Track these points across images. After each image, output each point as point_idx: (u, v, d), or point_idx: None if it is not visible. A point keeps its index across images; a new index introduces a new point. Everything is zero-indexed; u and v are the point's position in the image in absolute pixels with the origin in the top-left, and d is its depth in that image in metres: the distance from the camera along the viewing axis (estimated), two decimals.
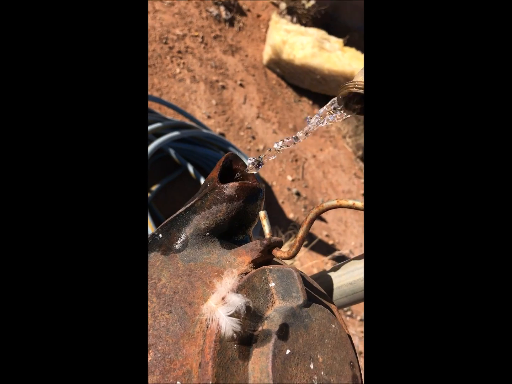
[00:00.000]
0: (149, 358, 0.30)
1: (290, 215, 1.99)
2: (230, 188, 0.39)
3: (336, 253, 1.91)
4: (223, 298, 0.30)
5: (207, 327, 0.30)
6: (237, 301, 0.30)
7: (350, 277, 0.57)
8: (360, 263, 0.58)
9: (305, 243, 1.83)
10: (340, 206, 0.33)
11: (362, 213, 2.31)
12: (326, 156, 2.40)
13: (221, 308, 0.30)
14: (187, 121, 1.78)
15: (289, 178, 2.13)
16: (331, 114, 0.43)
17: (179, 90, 2.04)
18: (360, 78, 0.39)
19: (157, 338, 0.31)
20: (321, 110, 0.44)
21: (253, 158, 0.42)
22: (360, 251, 2.11)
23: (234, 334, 0.29)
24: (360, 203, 0.32)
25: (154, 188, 1.62)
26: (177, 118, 1.83)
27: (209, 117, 2.04)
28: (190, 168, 1.67)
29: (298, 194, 2.09)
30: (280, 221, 1.91)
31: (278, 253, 0.36)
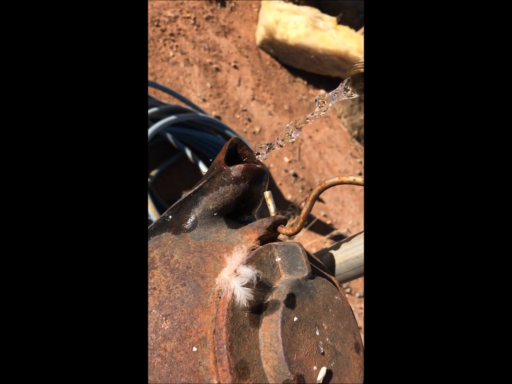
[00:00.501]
0: (166, 327, 0.32)
1: (288, 197, 2.01)
2: (236, 170, 0.41)
3: (334, 232, 1.95)
4: (235, 270, 0.33)
5: (220, 297, 0.33)
6: (249, 272, 0.32)
7: (356, 250, 0.60)
8: (361, 239, 0.60)
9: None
10: (342, 183, 0.35)
11: (358, 192, 2.34)
12: (322, 136, 2.41)
13: (234, 279, 0.32)
14: (183, 105, 1.78)
15: (286, 159, 2.14)
16: (340, 94, 0.44)
17: (173, 74, 2.03)
18: None
19: (172, 308, 0.33)
20: (331, 92, 0.45)
21: (265, 144, 0.44)
22: (357, 230, 2.15)
23: (248, 303, 0.32)
24: (360, 179, 0.34)
25: (153, 173, 1.64)
26: (172, 102, 1.83)
27: (204, 100, 2.03)
28: (188, 152, 1.68)
29: (295, 175, 2.11)
30: (278, 203, 1.93)
31: (283, 229, 0.38)
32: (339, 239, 0.61)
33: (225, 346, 0.30)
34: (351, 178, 0.34)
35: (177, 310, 0.33)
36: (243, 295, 0.31)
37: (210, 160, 1.77)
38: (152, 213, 1.34)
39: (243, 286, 0.32)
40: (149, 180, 1.61)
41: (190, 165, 1.70)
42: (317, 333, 0.35)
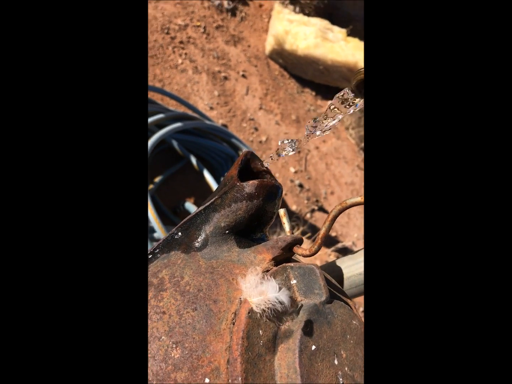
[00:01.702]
0: (177, 356, 0.30)
1: (293, 207, 1.99)
2: (250, 186, 0.39)
3: (339, 245, 1.92)
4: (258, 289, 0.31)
5: (233, 324, 0.31)
6: (276, 287, 0.31)
7: (359, 267, 0.57)
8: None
9: (308, 235, 1.84)
10: (364, 203, 0.33)
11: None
12: (329, 147, 2.39)
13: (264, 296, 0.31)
14: (190, 112, 1.77)
15: (292, 169, 2.12)
16: (345, 105, 0.42)
17: (181, 81, 2.02)
18: None
19: (183, 335, 0.31)
20: (333, 99, 0.43)
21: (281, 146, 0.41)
22: (362, 243, 2.12)
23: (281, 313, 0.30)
24: None
25: (156, 179, 1.62)
26: (179, 109, 1.82)
27: (211, 108, 2.03)
28: (193, 160, 1.66)
29: (301, 186, 2.09)
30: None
31: (299, 250, 0.36)
32: (344, 252, 0.58)
33: (240, 378, 0.28)
34: None
35: (189, 337, 0.30)
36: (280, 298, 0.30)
37: (219, 171, 1.75)
38: (154, 220, 1.32)
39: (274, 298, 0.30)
40: (152, 186, 1.60)
41: (195, 172, 1.69)
42: (336, 362, 0.32)
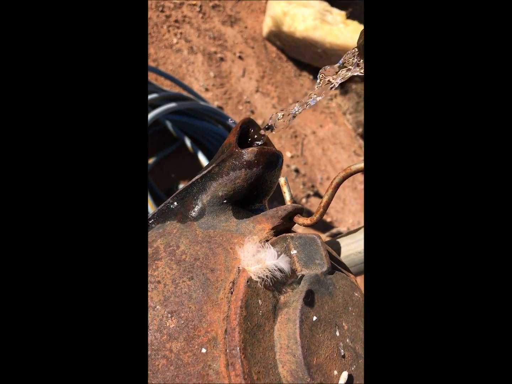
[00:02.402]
0: (172, 325, 0.29)
1: None
2: (249, 153, 0.37)
3: (334, 230, 1.92)
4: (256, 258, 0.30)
5: (231, 293, 0.29)
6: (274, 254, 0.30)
7: (358, 245, 0.55)
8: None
9: None
10: None
11: (360, 191, 2.31)
12: (326, 132, 2.37)
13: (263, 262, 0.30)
14: (185, 93, 1.73)
15: (288, 154, 2.10)
16: (349, 68, 0.40)
17: (176, 61, 1.98)
18: None
19: (179, 305, 0.29)
20: (340, 62, 0.41)
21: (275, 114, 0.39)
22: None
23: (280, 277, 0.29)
24: None
25: (150, 161, 1.59)
26: (174, 90, 1.78)
27: (207, 89, 1.99)
28: (187, 142, 1.63)
29: (297, 171, 2.07)
30: (278, 199, 1.90)
31: (300, 220, 0.35)
32: None
33: (238, 348, 0.27)
34: None
35: (184, 307, 0.29)
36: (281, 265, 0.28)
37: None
38: (148, 202, 1.30)
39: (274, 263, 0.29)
40: None
41: (189, 155, 1.66)
42: (337, 333, 0.32)
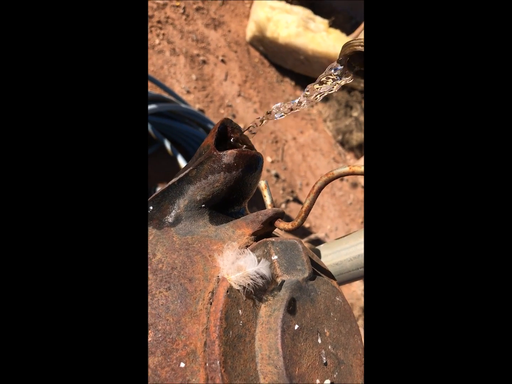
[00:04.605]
0: (149, 339, 0.27)
1: None
2: (228, 156, 0.36)
3: (312, 236, 1.92)
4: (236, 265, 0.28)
5: (211, 304, 0.28)
6: (254, 260, 0.29)
7: (336, 257, 0.55)
8: (343, 245, 0.56)
9: None
10: (353, 173, 0.30)
11: (339, 197, 2.33)
12: (306, 139, 2.38)
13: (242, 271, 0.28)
14: (166, 95, 1.70)
15: (269, 159, 2.10)
16: (332, 79, 0.40)
17: (158, 62, 1.95)
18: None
19: (156, 317, 0.28)
20: (321, 76, 0.41)
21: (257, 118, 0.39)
22: (335, 235, 2.13)
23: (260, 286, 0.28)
24: None
25: None
26: (154, 91, 1.75)
27: (188, 92, 1.97)
28: (167, 144, 1.61)
29: (277, 176, 2.07)
30: (258, 203, 1.89)
31: (281, 224, 0.34)
32: (317, 243, 0.57)
33: (218, 361, 0.26)
34: (363, 169, 0.30)
35: (162, 319, 0.28)
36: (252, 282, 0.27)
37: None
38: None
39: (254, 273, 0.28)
40: None
41: (169, 157, 1.63)
42: (319, 341, 0.31)
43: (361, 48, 0.35)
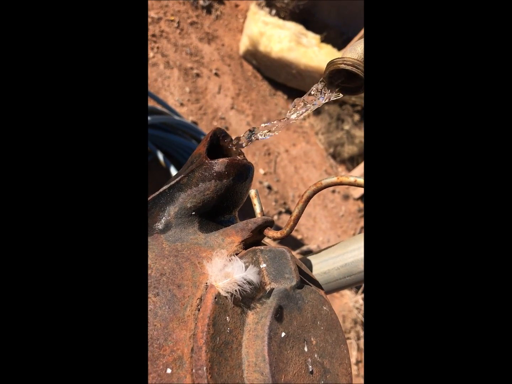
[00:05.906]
0: None
1: None
2: (219, 164, 0.36)
3: (304, 248, 1.92)
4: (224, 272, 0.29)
5: (199, 310, 0.28)
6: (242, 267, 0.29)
7: (324, 266, 0.55)
8: (330, 254, 0.57)
9: None
10: (341, 183, 0.31)
11: (331, 209, 2.34)
12: (298, 151, 2.40)
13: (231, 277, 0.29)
14: (159, 107, 1.72)
15: (261, 171, 2.11)
16: (317, 96, 0.42)
17: (152, 75, 1.97)
18: (348, 55, 0.38)
19: None
20: (305, 95, 0.43)
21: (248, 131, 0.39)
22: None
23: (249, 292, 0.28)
24: (362, 180, 0.30)
25: None
26: (148, 103, 1.76)
27: (182, 104, 1.98)
28: (160, 156, 1.61)
29: (269, 187, 2.08)
30: (251, 214, 1.89)
31: (270, 233, 0.34)
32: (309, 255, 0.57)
33: (204, 367, 0.26)
34: (351, 179, 0.30)
35: (149, 325, 0.28)
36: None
37: None
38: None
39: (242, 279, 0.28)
40: None
41: (162, 169, 1.64)
42: (306, 349, 0.31)
43: (344, 66, 0.36)
